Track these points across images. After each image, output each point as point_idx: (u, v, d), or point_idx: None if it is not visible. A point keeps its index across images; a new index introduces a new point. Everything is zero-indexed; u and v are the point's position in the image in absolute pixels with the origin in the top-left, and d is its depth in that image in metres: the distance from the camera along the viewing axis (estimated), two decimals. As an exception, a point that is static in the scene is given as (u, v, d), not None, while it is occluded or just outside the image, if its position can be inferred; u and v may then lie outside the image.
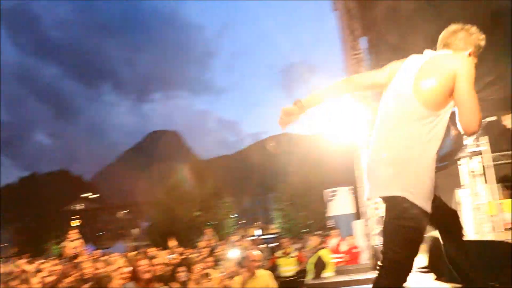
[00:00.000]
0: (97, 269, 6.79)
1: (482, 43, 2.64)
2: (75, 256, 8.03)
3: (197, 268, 7.03)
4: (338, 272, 8.76)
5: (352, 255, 9.76)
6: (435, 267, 3.84)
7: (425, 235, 2.47)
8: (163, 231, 29.58)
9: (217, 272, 8.21)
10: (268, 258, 11.51)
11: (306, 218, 34.41)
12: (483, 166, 9.21)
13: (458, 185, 9.46)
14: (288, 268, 10.13)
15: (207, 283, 7.05)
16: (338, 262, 9.46)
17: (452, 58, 2.51)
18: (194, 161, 43.10)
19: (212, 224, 30.91)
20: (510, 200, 9.15)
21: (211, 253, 10.41)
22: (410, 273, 2.42)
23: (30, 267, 8.48)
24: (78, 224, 48.55)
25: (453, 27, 2.67)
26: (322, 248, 9.99)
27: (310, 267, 9.28)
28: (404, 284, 2.44)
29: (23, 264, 9.83)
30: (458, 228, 2.74)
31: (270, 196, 49.71)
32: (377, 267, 2.58)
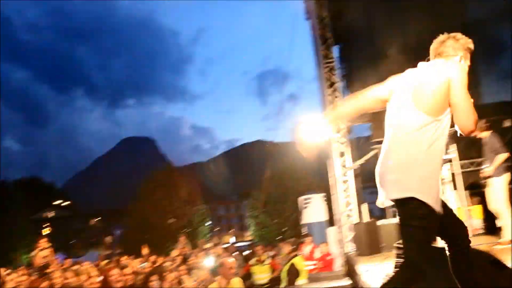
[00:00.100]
0: (66, 278, 6.66)
1: (471, 46, 2.82)
2: (45, 266, 7.85)
3: (170, 276, 6.96)
4: (312, 279, 8.79)
5: (326, 262, 9.80)
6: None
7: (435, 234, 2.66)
8: (136, 239, 29.17)
9: (190, 280, 8.15)
10: (242, 266, 11.46)
11: (280, 225, 34.44)
12: (452, 173, 9.39)
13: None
14: (262, 275, 10.11)
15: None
16: (311, 270, 9.49)
17: (445, 65, 2.68)
18: (168, 168, 42.63)
19: (186, 232, 30.64)
20: (478, 206, 9.34)
21: (185, 261, 10.32)
22: (423, 271, 2.54)
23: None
24: (49, 232, 47.52)
25: (441, 37, 2.85)
26: (296, 255, 10.01)
27: (283, 274, 9.28)
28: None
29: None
30: (465, 238, 2.81)
31: (245, 203, 49.65)
32: (394, 266, 2.77)
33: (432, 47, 2.87)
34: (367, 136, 11.86)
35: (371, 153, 10.83)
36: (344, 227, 9.94)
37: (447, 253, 2.80)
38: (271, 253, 12.46)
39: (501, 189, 6.49)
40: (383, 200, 2.75)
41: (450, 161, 9.27)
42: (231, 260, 7.46)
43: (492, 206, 6.70)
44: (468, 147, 9.60)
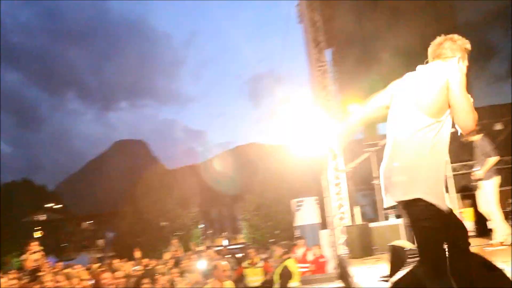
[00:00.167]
0: (58, 282, 6.62)
1: (468, 46, 2.85)
2: (36, 269, 7.79)
3: (162, 279, 6.95)
4: (304, 281, 8.80)
5: (318, 265, 9.82)
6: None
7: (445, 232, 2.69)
8: (128, 242, 29.08)
9: (183, 283, 8.13)
10: (235, 269, 11.45)
11: (273, 228, 34.42)
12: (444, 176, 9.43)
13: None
14: (254, 278, 10.09)
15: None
16: (304, 272, 9.50)
17: (443, 67, 2.72)
18: (161, 171, 42.58)
19: (178, 235, 30.56)
20: (469, 209, 9.39)
21: (177, 264, 10.29)
22: (445, 267, 2.62)
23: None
24: (41, 235, 47.18)
25: (438, 40, 2.88)
26: (288, 258, 10.00)
27: (276, 277, 9.27)
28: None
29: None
30: (465, 240, 2.82)
31: (237, 206, 49.60)
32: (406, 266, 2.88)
33: (430, 50, 2.90)
34: (360, 139, 11.92)
35: (363, 156, 10.88)
36: (336, 229, 9.97)
37: (446, 253, 2.82)
38: (264, 255, 12.45)
39: (491, 192, 6.54)
40: (390, 202, 2.79)
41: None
42: (224, 263, 7.46)
43: (483, 209, 6.75)
44: (460, 150, 9.66)
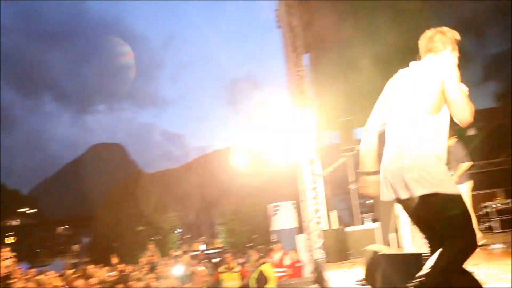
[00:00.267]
0: (29, 289, 6.48)
1: (457, 37, 2.90)
2: (7, 276, 7.62)
3: (136, 285, 6.86)
4: (281, 286, 8.81)
5: (295, 269, 9.83)
6: (371, 279, 3.93)
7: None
8: (104, 247, 28.69)
9: (158, 288, 8.05)
10: (212, 274, 11.39)
11: (250, 232, 34.35)
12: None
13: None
14: (231, 283, 10.06)
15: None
16: (281, 276, 9.50)
17: (436, 63, 2.77)
18: (138, 175, 42.21)
19: (155, 239, 30.27)
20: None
21: (153, 269, 10.19)
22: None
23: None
24: (13, 241, 46.22)
25: (427, 33, 2.91)
26: (264, 262, 10.00)
27: (252, 282, 9.26)
28: None
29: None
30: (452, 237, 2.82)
31: (215, 210, 49.39)
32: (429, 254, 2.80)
33: (421, 44, 2.93)
34: (336, 144, 11.98)
35: (340, 161, 10.94)
36: (313, 234, 9.98)
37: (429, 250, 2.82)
38: (241, 260, 12.42)
39: (464, 196, 6.64)
40: (391, 195, 2.79)
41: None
42: (201, 269, 7.41)
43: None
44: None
